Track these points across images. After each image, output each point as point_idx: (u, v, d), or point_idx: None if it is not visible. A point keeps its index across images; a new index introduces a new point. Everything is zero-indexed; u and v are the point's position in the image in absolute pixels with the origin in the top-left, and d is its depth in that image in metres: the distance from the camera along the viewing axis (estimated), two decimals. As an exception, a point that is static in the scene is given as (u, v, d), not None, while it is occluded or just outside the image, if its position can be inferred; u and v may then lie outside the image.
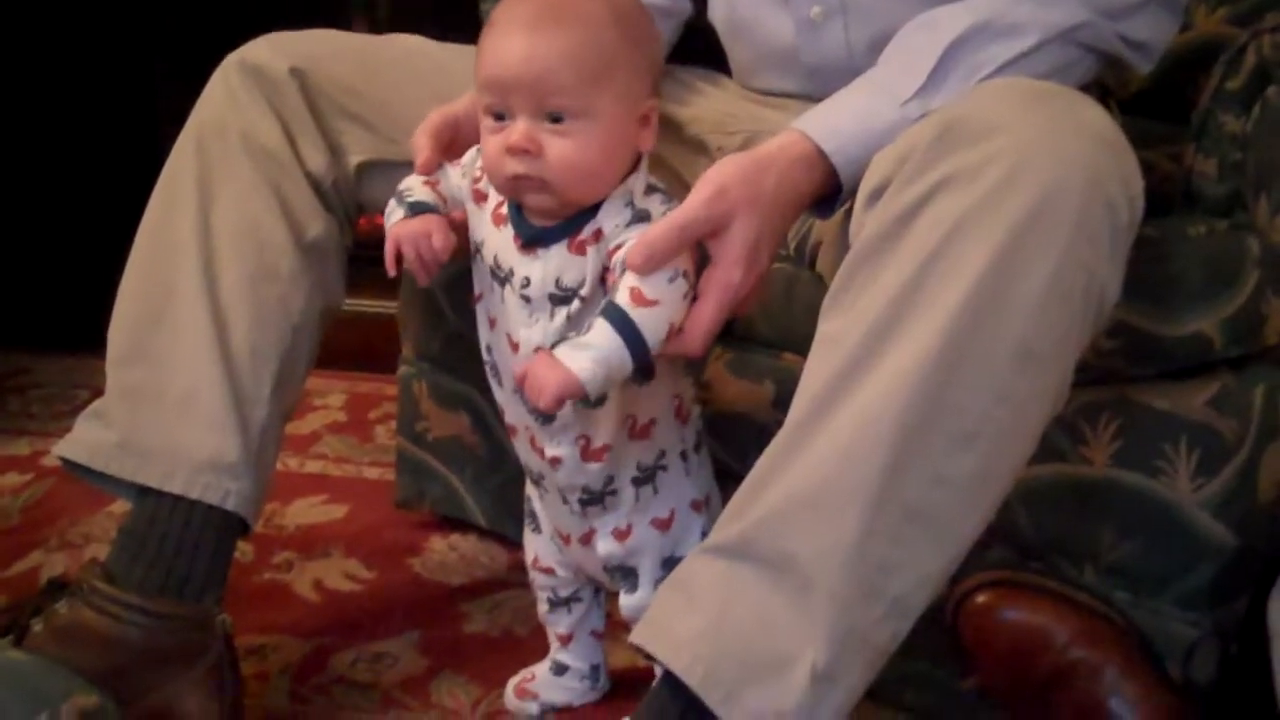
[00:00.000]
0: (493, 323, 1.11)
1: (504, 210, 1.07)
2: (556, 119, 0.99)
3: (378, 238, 1.35)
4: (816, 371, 0.96)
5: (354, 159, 1.26)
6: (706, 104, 1.31)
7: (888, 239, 0.93)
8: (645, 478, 1.12)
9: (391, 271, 1.09)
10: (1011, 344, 0.90)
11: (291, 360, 1.25)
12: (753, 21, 1.25)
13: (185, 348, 1.20)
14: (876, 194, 0.97)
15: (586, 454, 1.09)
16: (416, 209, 1.09)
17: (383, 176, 1.26)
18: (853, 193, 1.04)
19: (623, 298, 0.99)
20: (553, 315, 1.04)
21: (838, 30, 1.19)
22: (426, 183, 1.12)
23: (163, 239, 1.23)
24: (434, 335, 1.57)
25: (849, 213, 1.04)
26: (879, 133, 1.03)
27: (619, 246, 1.01)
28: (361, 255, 1.34)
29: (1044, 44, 1.06)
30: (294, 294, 1.24)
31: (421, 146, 1.13)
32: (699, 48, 1.36)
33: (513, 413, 1.13)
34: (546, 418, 1.08)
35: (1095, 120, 0.95)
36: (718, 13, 1.31)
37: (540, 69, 0.98)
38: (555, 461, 1.11)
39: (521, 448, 1.15)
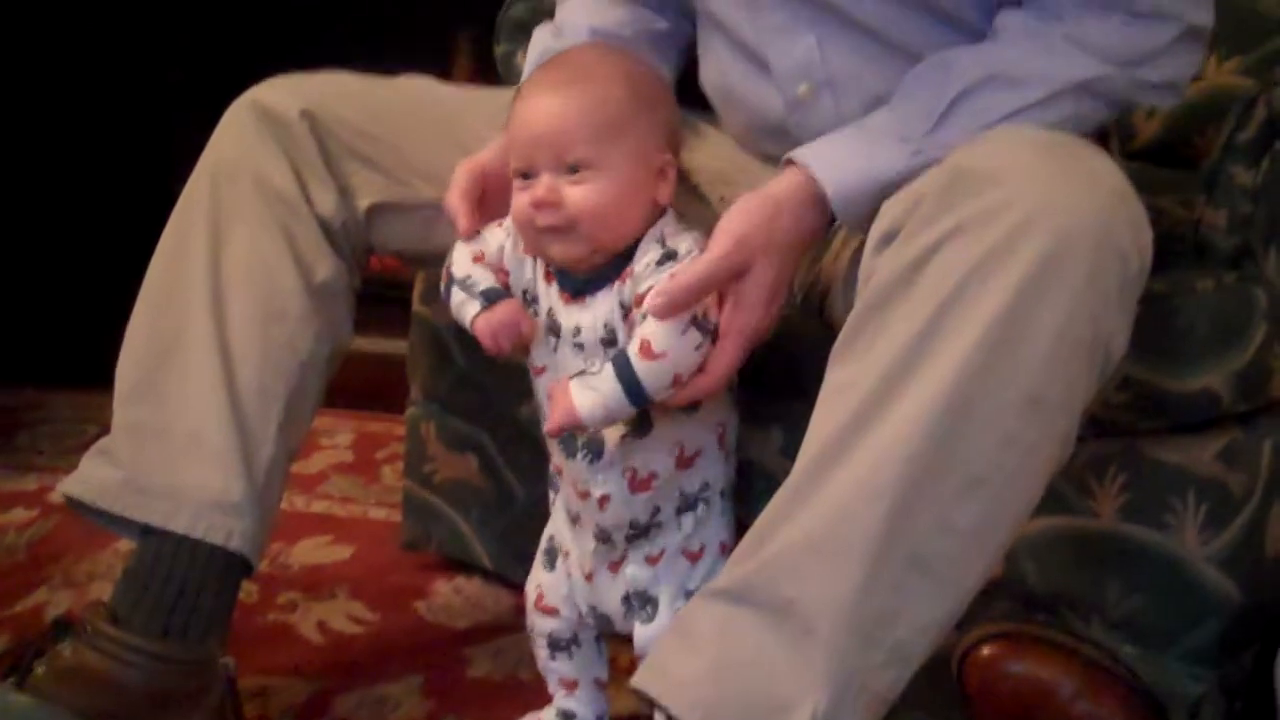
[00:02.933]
0: (539, 372, 1.16)
1: (552, 268, 1.13)
2: (575, 170, 1.07)
3: (389, 277, 1.35)
4: (826, 419, 0.96)
5: (364, 201, 1.26)
6: (709, 150, 1.31)
7: (899, 286, 0.93)
8: (688, 505, 1.15)
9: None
10: (1020, 392, 0.90)
11: (298, 400, 1.24)
12: (742, 93, 1.26)
13: (192, 387, 1.20)
14: (887, 239, 0.97)
15: (634, 485, 1.12)
16: (490, 297, 1.14)
17: (392, 218, 1.27)
18: (850, 224, 1.07)
19: (633, 348, 1.05)
20: (605, 357, 1.09)
21: (827, 104, 1.19)
22: (476, 259, 1.16)
23: (173, 279, 1.23)
24: (442, 377, 1.57)
25: (858, 258, 1.04)
26: (882, 172, 1.04)
27: (650, 288, 1.05)
28: (371, 295, 1.34)
29: (1057, 95, 1.06)
30: (302, 335, 1.24)
31: (459, 211, 1.16)
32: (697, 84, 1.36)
33: (557, 459, 1.17)
34: (594, 455, 1.12)
35: (1105, 170, 0.95)
36: (708, 78, 1.31)
37: (559, 125, 1.07)
38: (604, 501, 1.13)
39: (566, 489, 1.18)
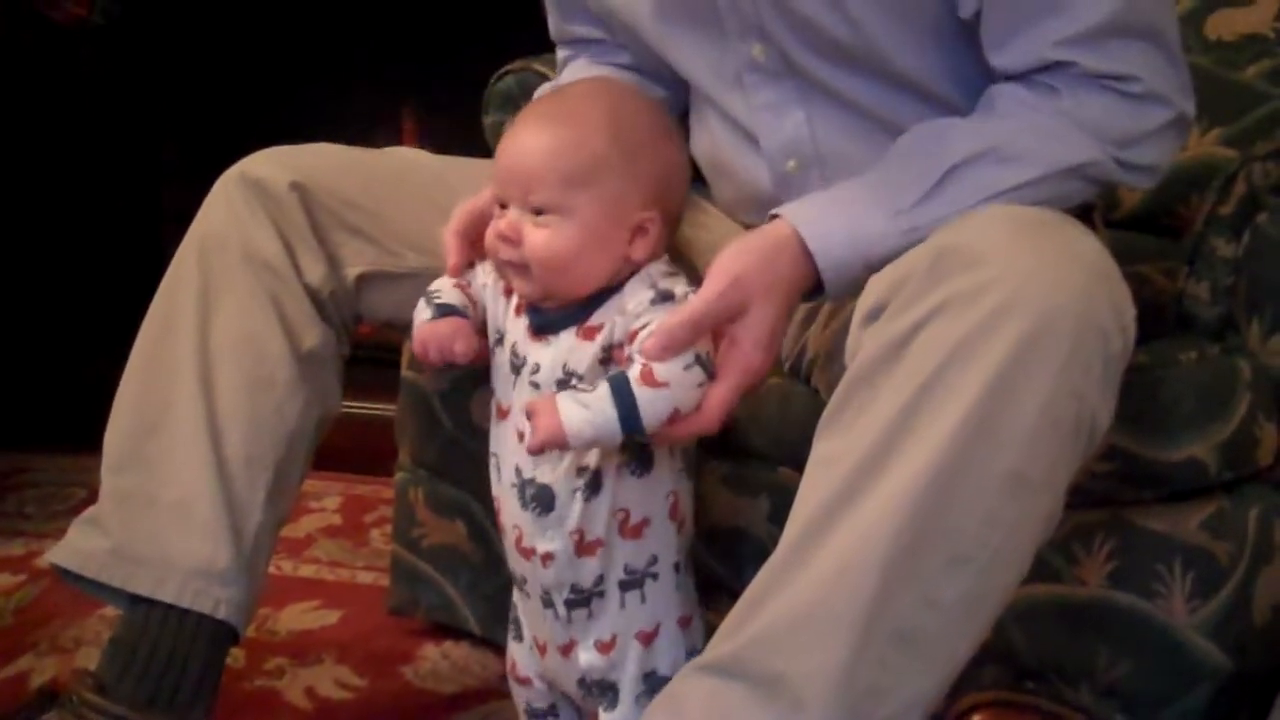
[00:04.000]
0: (504, 414, 1.13)
1: (524, 302, 1.11)
2: (539, 211, 1.06)
3: (378, 341, 1.36)
4: (812, 493, 0.96)
5: (352, 270, 1.27)
6: (704, 221, 1.32)
7: (884, 362, 0.94)
8: (634, 582, 1.12)
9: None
10: (1004, 469, 0.91)
11: (286, 468, 1.25)
12: (733, 166, 1.27)
13: (180, 455, 1.21)
14: (873, 314, 0.98)
15: (580, 548, 1.10)
16: (443, 311, 1.13)
17: (381, 287, 1.28)
18: (835, 292, 1.07)
19: (633, 372, 1.02)
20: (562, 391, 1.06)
21: (815, 180, 1.20)
22: (456, 284, 1.16)
23: (162, 348, 1.24)
24: (430, 442, 1.56)
25: (845, 328, 1.04)
26: (867, 239, 1.04)
27: (643, 326, 1.04)
28: (362, 358, 1.35)
29: (1047, 176, 1.07)
30: (290, 403, 1.24)
31: (451, 248, 1.16)
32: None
33: (507, 511, 1.14)
34: (543, 508, 1.09)
35: (1088, 249, 0.95)
36: (700, 149, 1.32)
37: (529, 165, 1.06)
38: (547, 558, 1.11)
39: (509, 549, 1.15)
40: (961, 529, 0.91)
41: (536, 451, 1.04)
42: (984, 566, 0.92)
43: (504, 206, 1.08)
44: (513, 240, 1.06)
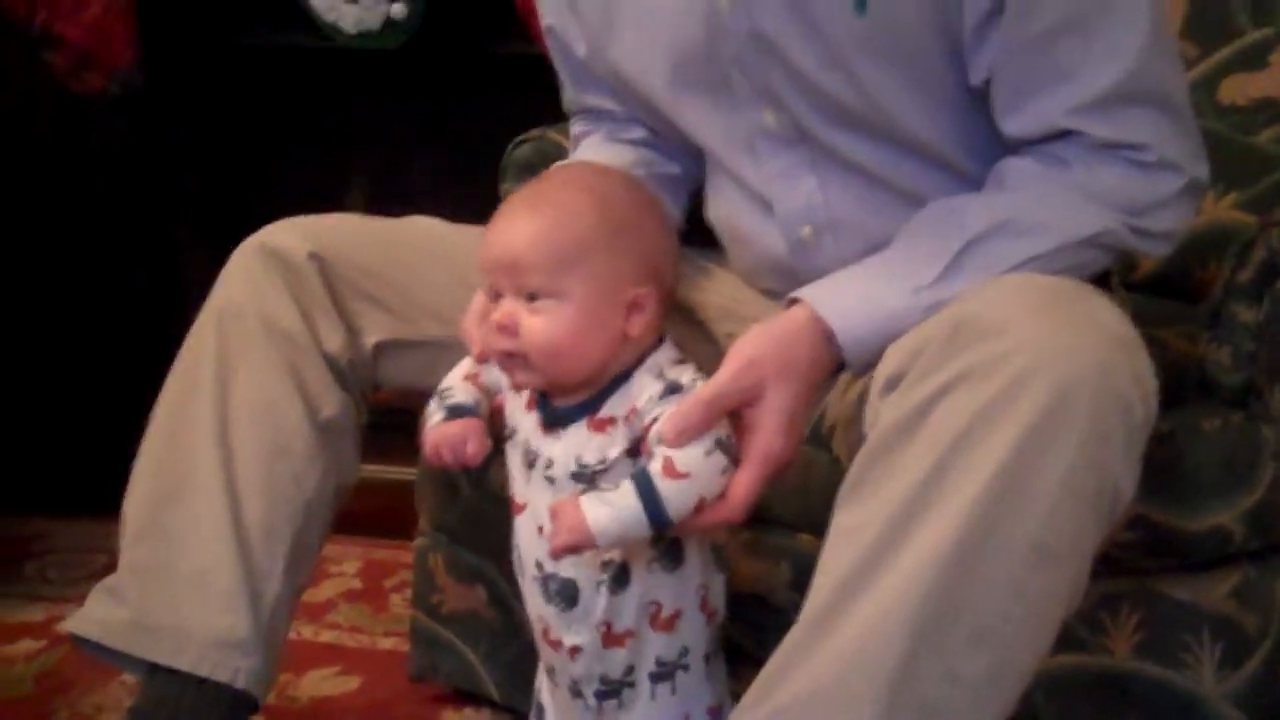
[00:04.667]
0: (520, 509, 1.12)
1: (535, 396, 1.10)
2: (533, 297, 1.05)
3: (398, 406, 1.36)
4: (833, 565, 0.95)
5: (371, 339, 1.27)
6: (714, 287, 1.32)
7: (903, 433, 0.93)
8: (665, 674, 1.10)
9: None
10: (1026, 541, 0.89)
11: (305, 537, 1.25)
12: (748, 232, 1.27)
13: (199, 525, 1.21)
14: (891, 384, 0.97)
15: (607, 640, 1.08)
16: (455, 411, 1.13)
17: (399, 355, 1.28)
18: (857, 370, 1.07)
19: (655, 466, 1.01)
20: (576, 492, 1.05)
21: (829, 246, 1.20)
22: (468, 377, 1.15)
23: (181, 417, 1.24)
24: (450, 508, 1.56)
25: (864, 395, 1.04)
26: (887, 317, 1.04)
27: (654, 420, 1.03)
28: (381, 422, 1.35)
29: (1063, 247, 1.06)
30: (308, 472, 1.24)
31: (474, 337, 1.15)
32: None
33: (532, 603, 1.13)
34: (568, 603, 1.08)
35: (1108, 318, 0.95)
36: (715, 216, 1.32)
37: (516, 251, 1.05)
38: (574, 651, 1.10)
39: (537, 639, 1.14)
40: (985, 601, 0.89)
41: (561, 554, 1.03)
42: (1009, 639, 0.90)
43: (497, 297, 1.07)
44: (510, 329, 1.05)
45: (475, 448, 1.11)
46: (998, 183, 1.11)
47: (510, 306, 1.05)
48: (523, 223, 1.06)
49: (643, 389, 1.05)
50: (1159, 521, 1.11)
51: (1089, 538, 0.92)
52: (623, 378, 1.07)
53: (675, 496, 1.01)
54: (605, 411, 1.06)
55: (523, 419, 1.11)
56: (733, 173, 1.26)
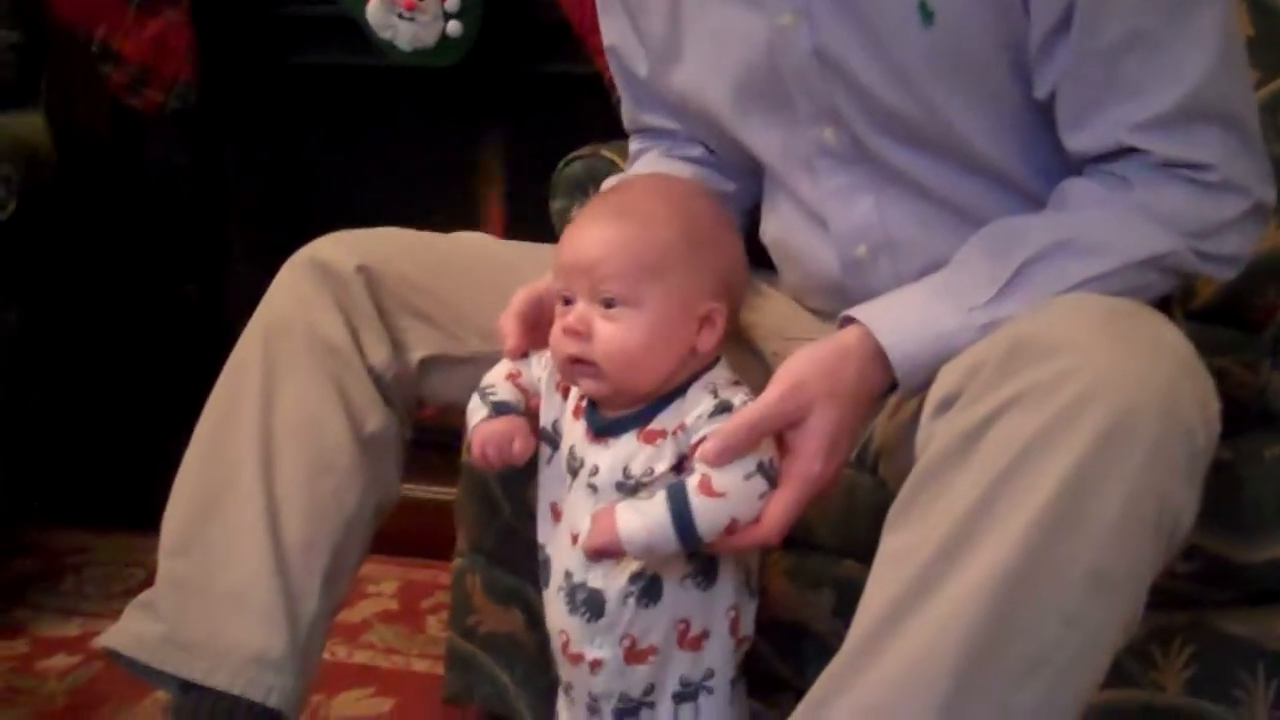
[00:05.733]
0: (558, 516, 1.12)
1: (584, 404, 1.10)
2: (609, 304, 1.05)
3: (439, 425, 1.35)
4: (879, 590, 0.93)
5: (416, 354, 1.26)
6: (766, 306, 1.31)
7: (956, 454, 0.91)
8: (688, 695, 1.09)
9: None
10: (1083, 568, 0.87)
11: (343, 554, 1.24)
12: (801, 250, 1.26)
13: (237, 541, 1.20)
14: (945, 405, 0.95)
15: (630, 656, 1.07)
16: (500, 409, 1.12)
17: (445, 371, 1.27)
18: (909, 391, 1.05)
19: (692, 481, 1.01)
20: (623, 501, 1.05)
21: (885, 266, 1.19)
22: (509, 375, 1.15)
23: (224, 430, 1.23)
24: (489, 528, 1.54)
25: (915, 419, 1.02)
26: (940, 336, 1.03)
27: (703, 439, 1.02)
28: (422, 441, 1.34)
29: (1124, 268, 1.05)
30: (349, 488, 1.23)
31: (509, 332, 1.15)
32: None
33: (554, 614, 1.13)
34: (593, 614, 1.07)
35: (1171, 341, 0.93)
36: (769, 233, 1.32)
37: (599, 257, 1.05)
38: (596, 665, 1.08)
39: (556, 653, 1.13)
40: (1039, 630, 0.87)
41: (591, 555, 1.04)
42: (1062, 670, 0.88)
43: (567, 303, 1.07)
44: (582, 334, 1.05)
45: (521, 446, 1.11)
46: (1059, 203, 1.10)
47: (584, 310, 1.05)
48: (606, 228, 1.07)
49: (695, 405, 1.05)
50: (1216, 552, 1.09)
51: (1147, 566, 0.90)
52: (677, 392, 1.06)
53: (707, 514, 1.00)
54: (657, 423, 1.06)
55: (569, 425, 1.11)
56: (790, 190, 1.25)
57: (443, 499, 1.78)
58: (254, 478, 1.20)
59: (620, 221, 1.07)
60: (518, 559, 1.49)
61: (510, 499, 1.49)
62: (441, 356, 1.26)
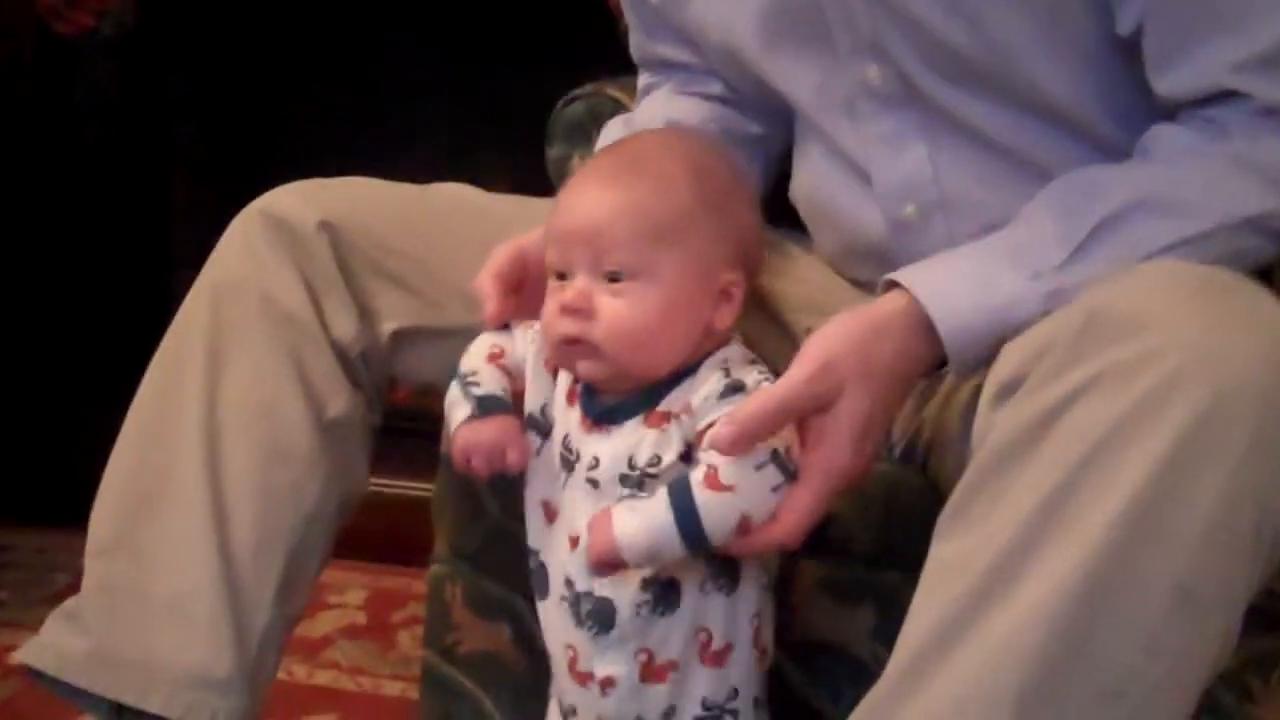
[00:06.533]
0: (551, 515, 1.12)
1: (578, 386, 1.10)
2: (615, 278, 1.05)
3: (410, 409, 1.35)
4: (929, 605, 0.93)
5: (388, 326, 1.27)
6: (796, 274, 1.32)
7: (1022, 446, 0.91)
8: (710, 719, 1.09)
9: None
10: (1168, 584, 0.87)
11: (301, 558, 1.25)
12: (839, 209, 1.27)
13: (178, 540, 1.21)
14: (1008, 390, 0.95)
15: (647, 673, 1.08)
16: (486, 406, 1.11)
17: (421, 345, 1.28)
18: (960, 370, 1.05)
19: (696, 475, 1.01)
20: (621, 499, 1.05)
21: (939, 228, 1.19)
22: (491, 356, 1.15)
23: (162, 410, 1.24)
24: (473, 530, 1.55)
25: (972, 407, 1.02)
26: (999, 305, 1.03)
27: (711, 424, 1.03)
28: (394, 427, 1.35)
29: (1219, 229, 1.05)
30: (309, 480, 1.24)
31: (488, 292, 1.16)
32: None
33: (556, 628, 1.13)
34: (602, 627, 1.08)
35: (1273, 315, 0.92)
36: (800, 190, 1.32)
37: (600, 222, 1.05)
38: (607, 684, 1.09)
39: (559, 674, 1.14)
40: (1114, 656, 0.87)
41: (594, 570, 1.04)
42: (1140, 704, 0.88)
43: (563, 277, 1.07)
44: (584, 312, 1.05)
45: (517, 456, 1.11)
46: (1144, 153, 1.10)
47: (584, 285, 1.05)
48: (610, 190, 1.06)
49: (704, 381, 1.05)
50: (1325, 567, 1.09)
51: (1243, 580, 0.90)
52: (687, 371, 1.06)
53: (714, 512, 1.01)
54: (664, 405, 1.06)
55: (562, 413, 1.11)
56: (827, 138, 1.25)
57: (417, 495, 1.79)
58: (197, 467, 1.21)
59: (626, 182, 1.07)
60: (506, 565, 1.50)
61: (498, 495, 1.50)
62: (417, 328, 1.27)
